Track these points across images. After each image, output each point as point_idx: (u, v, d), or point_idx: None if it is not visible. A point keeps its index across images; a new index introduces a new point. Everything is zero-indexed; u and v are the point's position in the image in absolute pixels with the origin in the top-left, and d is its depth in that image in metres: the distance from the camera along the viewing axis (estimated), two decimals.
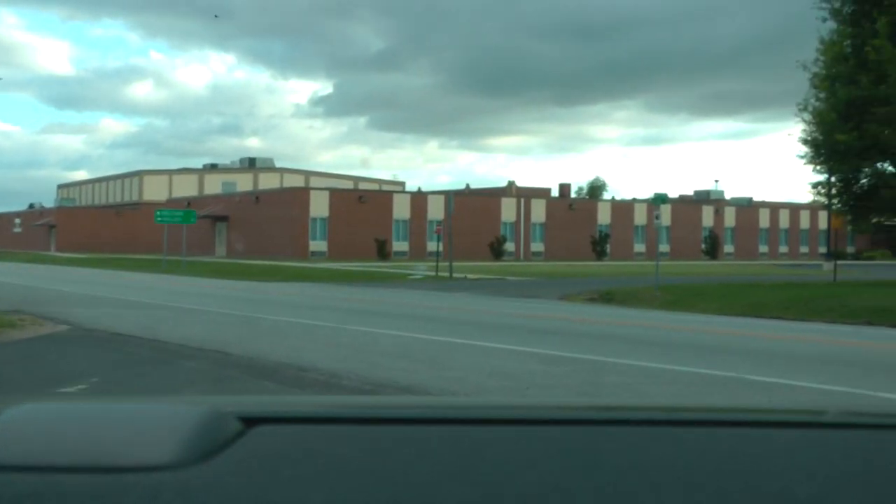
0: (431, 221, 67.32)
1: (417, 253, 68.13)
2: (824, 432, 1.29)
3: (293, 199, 68.94)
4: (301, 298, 25.26)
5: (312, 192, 70.70)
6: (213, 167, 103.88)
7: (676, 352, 12.72)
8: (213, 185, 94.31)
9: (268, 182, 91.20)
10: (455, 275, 41.39)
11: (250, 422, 1.22)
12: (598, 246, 75.75)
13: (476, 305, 22.93)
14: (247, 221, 71.58)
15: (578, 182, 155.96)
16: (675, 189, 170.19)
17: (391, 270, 47.62)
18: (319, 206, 68.47)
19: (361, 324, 16.42)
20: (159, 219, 53.04)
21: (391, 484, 1.09)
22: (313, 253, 66.68)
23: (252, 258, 62.27)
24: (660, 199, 33.45)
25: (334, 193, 70.96)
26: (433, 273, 42.63)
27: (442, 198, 61.89)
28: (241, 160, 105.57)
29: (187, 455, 1.11)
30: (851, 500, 1.07)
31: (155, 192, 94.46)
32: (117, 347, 13.07)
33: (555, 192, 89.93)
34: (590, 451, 1.18)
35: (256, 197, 73.64)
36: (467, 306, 22.42)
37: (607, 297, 29.01)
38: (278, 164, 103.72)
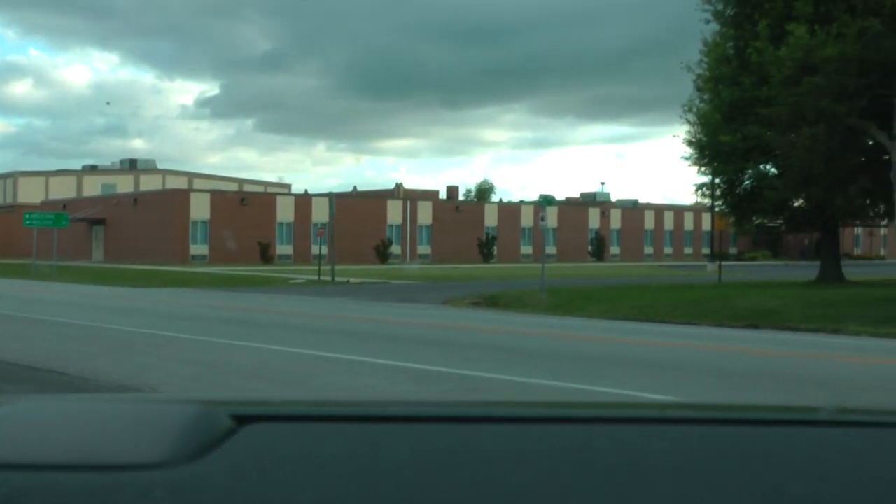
0: (316, 224, 65.72)
1: (302, 256, 66.61)
2: (818, 430, 1.29)
3: (173, 201, 66.75)
4: (170, 306, 23.81)
5: (193, 194, 68.55)
6: (92, 168, 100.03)
7: (561, 364, 11.86)
8: (93, 186, 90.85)
9: (150, 184, 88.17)
10: (338, 279, 40.31)
11: (242, 420, 1.22)
12: (485, 248, 75.29)
13: (354, 312, 21.80)
14: (125, 224, 69.03)
15: (467, 184, 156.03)
16: (563, 191, 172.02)
17: (272, 275, 46.24)
18: (200, 209, 66.43)
19: (226, 335, 15.14)
20: (28, 222, 50.54)
21: (383, 482, 1.09)
22: (194, 257, 64.62)
23: (131, 262, 60.00)
24: (546, 200, 32.94)
25: (216, 195, 68.93)
26: (315, 277, 41.43)
27: (326, 200, 60.65)
28: (122, 161, 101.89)
29: (179, 453, 1.11)
30: (844, 497, 1.09)
31: (30, 194, 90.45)
32: None
33: (443, 195, 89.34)
34: (582, 448, 1.18)
35: (135, 199, 71.09)
36: (345, 313, 21.27)
37: (492, 301, 28.30)
38: (161, 166, 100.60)
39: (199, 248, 65.66)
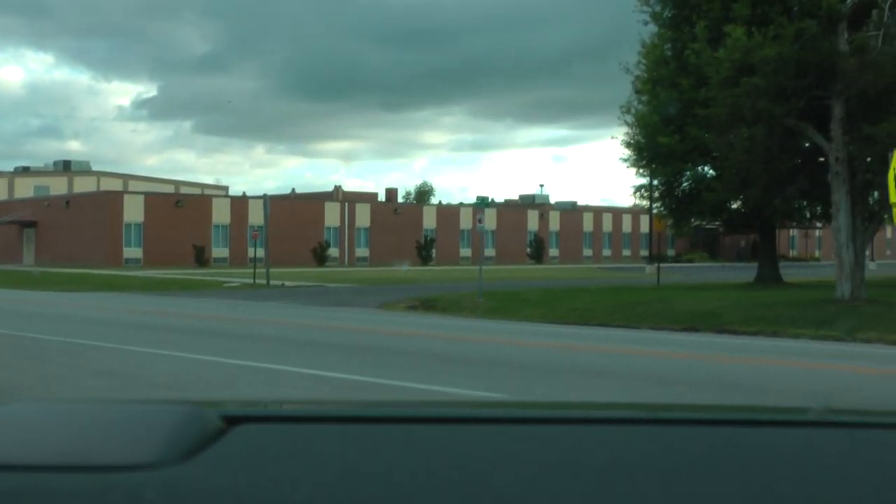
0: (253, 226, 64.79)
1: (238, 259, 65.61)
2: (806, 431, 1.30)
3: (106, 203, 65.40)
4: (96, 312, 22.92)
5: (126, 196, 67.22)
6: (25, 170, 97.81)
7: (495, 372, 11.35)
8: (26, 188, 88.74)
9: (84, 186, 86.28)
10: (273, 282, 39.55)
11: (233, 420, 1.22)
12: (424, 250, 74.76)
13: (286, 316, 21.12)
14: (57, 227, 67.43)
15: (407, 186, 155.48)
16: (503, 194, 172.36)
17: (207, 278, 45.37)
18: (134, 211, 65.16)
19: (148, 343, 14.34)
20: None
21: (374, 482, 1.10)
22: (128, 260, 63.37)
23: (63, 266, 58.53)
24: (482, 202, 32.55)
25: (150, 198, 67.63)
26: (251, 280, 40.64)
27: (262, 202, 60.08)
28: (56, 163, 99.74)
29: (170, 454, 1.11)
30: (833, 497, 1.10)
31: None
32: None
33: (383, 197, 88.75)
34: (573, 449, 1.19)
35: (67, 201, 69.49)
36: (275, 318, 20.56)
37: (429, 305, 27.82)
38: (96, 168, 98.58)
39: (132, 251, 64.41)
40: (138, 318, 20.67)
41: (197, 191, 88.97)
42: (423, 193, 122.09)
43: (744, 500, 1.07)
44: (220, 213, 68.81)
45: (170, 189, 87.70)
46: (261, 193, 49.04)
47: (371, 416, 1.37)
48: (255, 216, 66.79)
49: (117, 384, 10.35)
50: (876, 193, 24.79)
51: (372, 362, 11.80)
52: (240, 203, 71.38)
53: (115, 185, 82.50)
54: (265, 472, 1.09)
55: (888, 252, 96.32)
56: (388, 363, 11.77)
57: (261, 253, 43.27)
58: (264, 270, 40.66)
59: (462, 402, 2.01)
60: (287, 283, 39.96)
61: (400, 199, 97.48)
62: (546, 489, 1.08)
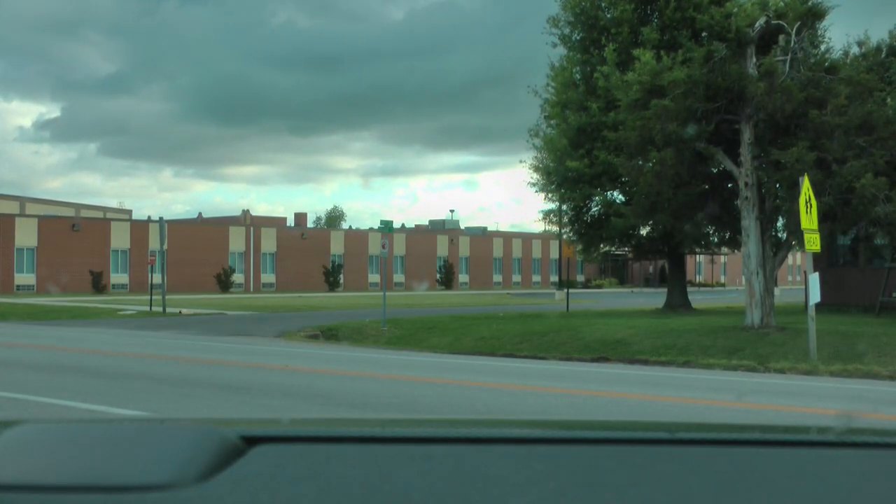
0: (154, 252, 62.71)
1: (139, 286, 63.36)
2: (827, 451, 1.27)
3: None
4: None
5: (18, 220, 64.52)
6: None
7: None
8: None
9: None
10: (170, 310, 37.93)
11: (252, 441, 1.22)
12: (331, 276, 73.28)
13: (170, 349, 19.57)
14: None
15: (318, 212, 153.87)
16: (414, 219, 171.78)
17: (102, 306, 43.49)
18: (27, 235, 62.55)
19: None
20: None
21: (393, 502, 1.09)
22: (19, 286, 60.75)
23: None
24: (387, 227, 31.49)
25: (44, 221, 65.03)
26: (147, 308, 38.92)
27: (166, 227, 58.10)
28: None
29: (188, 474, 1.11)
30: None
31: None
32: None
33: (292, 222, 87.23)
34: (592, 469, 1.17)
35: None
36: (159, 351, 18.95)
37: (330, 334, 26.64)
38: None
39: (25, 278, 61.81)
40: (4, 352, 18.85)
41: (99, 214, 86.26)
42: (334, 219, 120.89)
43: None
44: (120, 238, 66.52)
45: (70, 212, 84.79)
46: (169, 218, 47.41)
47: (391, 436, 1.34)
48: (156, 241, 64.65)
49: None
50: (782, 219, 24.34)
51: (244, 406, 10.42)
52: (140, 227, 69.12)
53: (12, 209, 79.36)
54: (284, 493, 1.07)
55: (790, 278, 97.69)
56: (264, 407, 10.42)
57: (159, 279, 41.55)
58: (170, 297, 39.11)
59: (482, 422, 1.84)
60: (185, 311, 38.36)
61: (310, 225, 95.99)
62: None
